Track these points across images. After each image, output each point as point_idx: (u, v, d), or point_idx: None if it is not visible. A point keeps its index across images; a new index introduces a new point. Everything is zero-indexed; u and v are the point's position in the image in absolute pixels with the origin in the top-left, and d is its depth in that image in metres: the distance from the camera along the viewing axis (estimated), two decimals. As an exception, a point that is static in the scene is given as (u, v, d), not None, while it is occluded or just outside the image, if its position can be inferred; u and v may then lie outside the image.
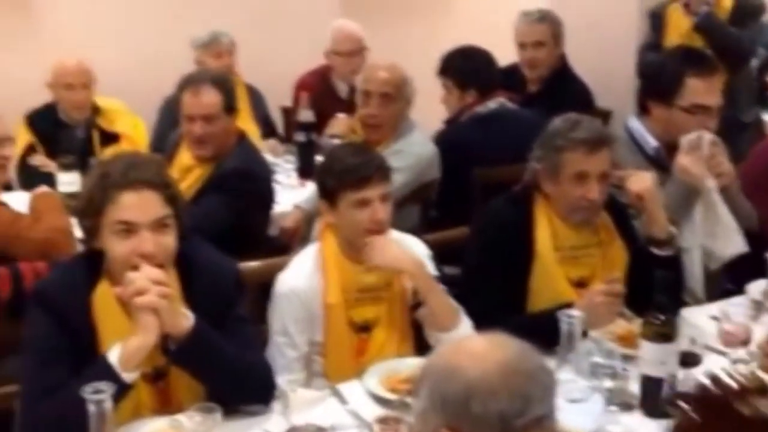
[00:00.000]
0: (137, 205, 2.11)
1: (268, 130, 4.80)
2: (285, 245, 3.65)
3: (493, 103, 3.89)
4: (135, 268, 2.09)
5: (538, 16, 4.51)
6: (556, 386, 1.49)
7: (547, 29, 4.49)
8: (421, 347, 2.57)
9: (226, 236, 2.92)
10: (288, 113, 5.05)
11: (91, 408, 1.82)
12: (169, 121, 4.19)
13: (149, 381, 2.18)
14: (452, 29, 5.46)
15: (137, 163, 2.18)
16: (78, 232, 2.97)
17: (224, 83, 3.46)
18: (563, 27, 4.54)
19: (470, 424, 1.38)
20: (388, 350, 2.53)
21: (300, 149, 4.19)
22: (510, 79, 4.30)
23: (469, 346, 1.43)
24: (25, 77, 4.43)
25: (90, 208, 2.15)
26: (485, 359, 1.39)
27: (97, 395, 1.81)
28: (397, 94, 3.68)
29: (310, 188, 3.91)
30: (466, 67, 3.96)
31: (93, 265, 2.20)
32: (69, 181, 3.69)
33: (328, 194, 2.55)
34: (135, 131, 4.48)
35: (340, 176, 2.51)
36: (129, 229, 2.11)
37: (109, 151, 4.26)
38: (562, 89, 4.42)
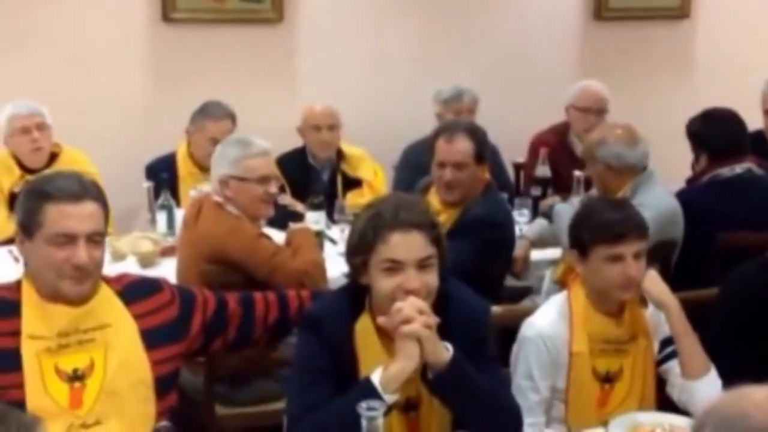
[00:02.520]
0: (404, 244, 2.21)
1: (499, 184, 4.89)
2: (517, 295, 3.74)
3: (739, 168, 3.80)
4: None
5: (787, 83, 4.40)
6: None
7: (795, 97, 4.37)
8: (662, 403, 2.57)
9: (467, 280, 3.00)
10: (519, 169, 5.14)
11: (364, 423, 1.95)
12: (411, 168, 4.38)
13: (401, 411, 2.27)
14: (696, 92, 5.44)
15: (406, 204, 2.28)
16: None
17: (477, 133, 3.59)
18: (814, 94, 4.40)
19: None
20: (630, 403, 2.54)
21: (534, 203, 4.30)
22: (758, 144, 4.19)
23: (751, 394, 1.44)
24: (281, 124, 4.73)
25: (361, 245, 2.26)
26: (770, 407, 1.40)
27: (371, 411, 1.94)
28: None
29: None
30: (703, 130, 3.89)
31: (357, 297, 2.33)
32: (315, 220, 3.92)
33: (581, 246, 2.58)
34: (375, 178, 4.71)
35: (595, 230, 2.54)
36: (396, 267, 2.21)
37: (351, 196, 4.53)
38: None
